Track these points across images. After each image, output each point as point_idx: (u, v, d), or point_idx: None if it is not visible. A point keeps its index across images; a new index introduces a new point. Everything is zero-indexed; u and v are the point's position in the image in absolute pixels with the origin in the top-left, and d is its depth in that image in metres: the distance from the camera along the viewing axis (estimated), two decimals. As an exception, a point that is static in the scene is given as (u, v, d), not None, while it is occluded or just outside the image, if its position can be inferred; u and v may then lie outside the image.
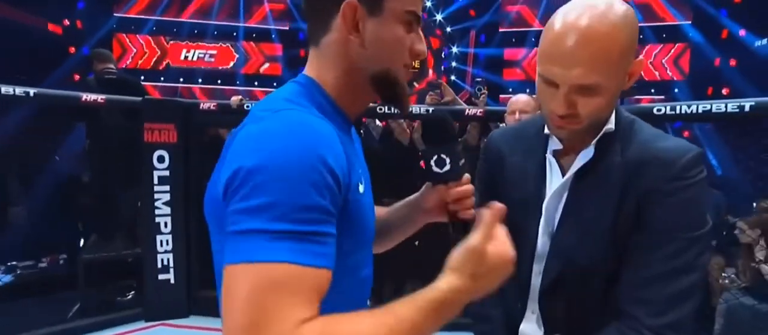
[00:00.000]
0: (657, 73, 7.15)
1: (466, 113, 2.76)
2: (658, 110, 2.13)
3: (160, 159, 2.81)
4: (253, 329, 0.41)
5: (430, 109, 2.80)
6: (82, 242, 3.39)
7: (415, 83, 1.40)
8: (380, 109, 2.80)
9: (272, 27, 7.90)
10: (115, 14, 7.31)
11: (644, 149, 0.72)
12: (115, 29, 7.35)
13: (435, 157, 0.68)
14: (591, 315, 0.74)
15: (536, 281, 0.80)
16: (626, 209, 0.71)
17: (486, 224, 0.56)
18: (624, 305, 0.71)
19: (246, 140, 0.50)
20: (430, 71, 8.28)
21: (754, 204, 2.73)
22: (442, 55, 8.16)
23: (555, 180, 0.78)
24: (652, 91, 7.02)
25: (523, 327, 0.83)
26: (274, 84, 7.59)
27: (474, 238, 0.55)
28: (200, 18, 7.79)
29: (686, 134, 6.43)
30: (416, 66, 0.67)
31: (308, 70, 0.64)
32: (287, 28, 7.80)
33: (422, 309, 0.49)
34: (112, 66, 3.31)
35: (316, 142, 0.49)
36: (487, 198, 0.88)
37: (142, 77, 7.22)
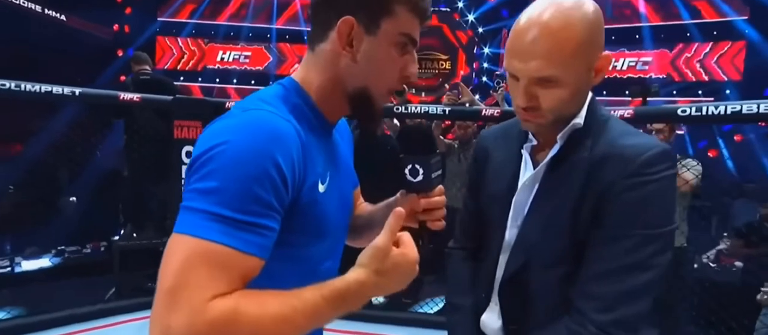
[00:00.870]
0: (706, 73, 6.71)
1: (483, 113, 2.73)
2: (683, 112, 2.02)
3: (189, 154, 2.98)
4: (172, 292, 0.46)
5: (448, 109, 2.80)
6: (122, 231, 3.65)
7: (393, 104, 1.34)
8: (397, 109, 2.83)
9: (304, 28, 8.11)
10: (158, 19, 7.77)
11: (609, 145, 0.72)
12: (158, 32, 7.81)
13: (410, 166, 0.69)
14: (549, 308, 0.74)
15: (500, 272, 0.82)
16: (587, 205, 0.71)
17: (389, 227, 0.60)
18: (574, 299, 0.71)
19: (211, 131, 0.56)
20: (461, 72, 8.20)
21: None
22: (474, 55, 8.06)
23: (527, 175, 0.80)
24: (700, 93, 6.61)
25: (485, 317, 0.85)
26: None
27: (379, 238, 0.59)
28: (236, 20, 8.13)
29: (738, 138, 6.00)
30: (403, 89, 0.70)
31: (297, 73, 0.68)
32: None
33: (326, 296, 0.54)
34: (147, 68, 3.55)
35: (269, 142, 0.54)
36: (473, 194, 0.93)
37: (182, 78, 7.65)
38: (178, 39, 7.95)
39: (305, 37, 8.02)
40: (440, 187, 0.72)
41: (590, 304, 0.68)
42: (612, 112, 2.28)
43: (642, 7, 7.25)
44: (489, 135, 0.94)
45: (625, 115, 2.21)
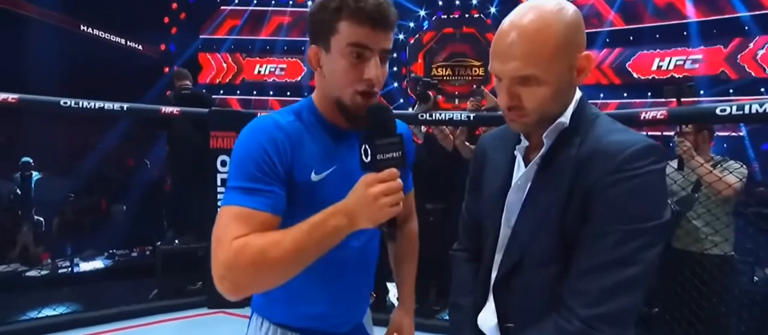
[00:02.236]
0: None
1: (508, 118, 2.69)
2: (722, 111, 1.90)
3: (223, 163, 3.15)
4: (215, 242, 0.73)
5: (472, 115, 2.78)
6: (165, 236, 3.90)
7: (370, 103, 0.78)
8: (422, 116, 2.85)
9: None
10: (200, 36, 8.27)
11: (596, 142, 0.72)
12: (200, 49, 8.31)
13: (364, 146, 0.72)
14: (542, 306, 0.74)
15: (495, 272, 0.83)
16: (574, 203, 0.71)
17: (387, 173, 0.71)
18: (563, 295, 0.71)
19: (241, 131, 0.82)
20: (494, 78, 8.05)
21: None
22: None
23: (519, 175, 0.81)
24: (762, 90, 6.12)
25: (481, 315, 0.85)
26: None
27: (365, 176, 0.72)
28: (272, 35, 8.48)
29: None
30: (371, 89, 0.78)
31: (314, 93, 0.88)
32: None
33: (309, 221, 0.72)
34: (188, 83, 3.79)
35: (256, 134, 0.79)
36: (473, 196, 0.95)
37: (221, 91, 8.08)
38: (219, 54, 8.42)
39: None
40: (392, 170, 0.71)
41: (576, 299, 0.68)
42: (644, 113, 2.17)
43: (689, 3, 6.83)
44: (488, 138, 0.96)
45: (658, 116, 2.11)
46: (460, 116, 2.79)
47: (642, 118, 2.17)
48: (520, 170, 0.81)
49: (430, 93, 2.93)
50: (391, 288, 3.29)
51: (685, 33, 6.91)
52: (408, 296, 1.11)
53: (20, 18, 6.04)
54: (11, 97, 2.48)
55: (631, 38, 7.23)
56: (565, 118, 0.75)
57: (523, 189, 0.79)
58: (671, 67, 7.04)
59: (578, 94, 0.78)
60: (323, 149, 0.83)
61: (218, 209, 0.76)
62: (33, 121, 5.62)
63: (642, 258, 0.66)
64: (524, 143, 0.81)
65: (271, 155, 0.77)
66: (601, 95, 7.36)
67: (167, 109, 3.08)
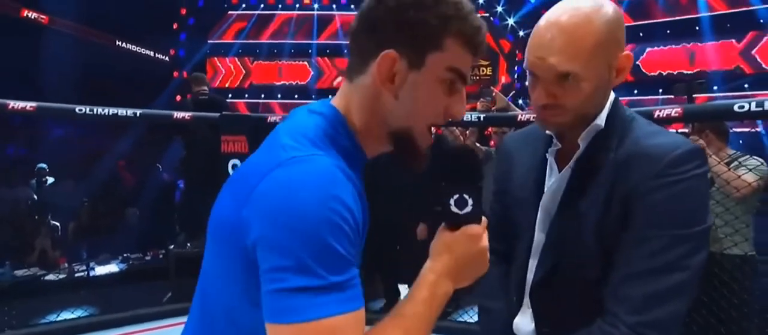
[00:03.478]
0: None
1: (519, 118, 2.67)
2: (740, 108, 1.86)
3: (235, 167, 3.17)
4: None
5: (482, 115, 2.77)
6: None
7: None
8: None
9: (343, 42, 8.36)
10: (208, 41, 8.36)
11: (635, 145, 0.71)
12: (209, 54, 8.40)
13: (457, 196, 0.59)
14: (581, 311, 0.73)
15: (531, 276, 0.82)
16: (614, 206, 0.70)
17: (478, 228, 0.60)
18: (606, 302, 0.70)
19: (275, 191, 0.49)
20: (503, 78, 8.03)
21: None
22: (515, 59, 7.87)
23: (553, 179, 0.80)
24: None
25: (517, 320, 0.84)
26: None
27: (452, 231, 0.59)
28: (279, 38, 8.54)
29: None
30: (440, 124, 0.62)
31: (337, 101, 0.61)
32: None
33: (423, 299, 0.55)
34: (206, 88, 3.83)
35: (340, 193, 0.49)
36: (499, 198, 0.93)
37: (230, 95, 8.14)
38: (227, 59, 8.49)
39: (344, 51, 8.35)
40: (486, 220, 0.62)
41: (622, 306, 0.67)
42: (658, 111, 2.14)
43: (700, -1, 6.72)
44: (512, 139, 0.95)
45: (673, 114, 2.07)
46: (471, 116, 2.78)
47: (656, 116, 2.14)
48: (553, 173, 0.80)
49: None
50: (403, 289, 3.28)
51: (697, 28, 6.80)
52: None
53: (35, 27, 6.18)
54: (29, 105, 2.53)
55: (641, 34, 7.14)
56: (601, 120, 0.74)
57: (557, 193, 0.78)
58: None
59: (612, 95, 0.77)
60: (363, 194, 0.61)
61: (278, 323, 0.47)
62: (48, 127, 5.73)
63: (688, 264, 0.65)
64: (557, 145, 0.79)
65: (358, 222, 0.52)
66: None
67: (179, 114, 3.12)
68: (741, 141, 5.98)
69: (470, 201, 0.59)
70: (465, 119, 2.81)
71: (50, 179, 4.96)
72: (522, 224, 0.84)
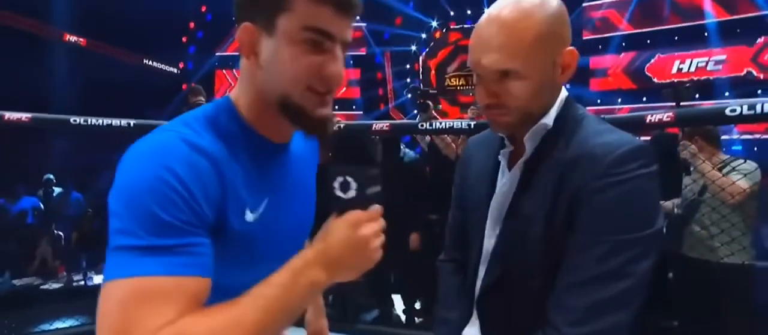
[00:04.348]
0: None
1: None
2: (733, 111, 1.79)
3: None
4: None
5: (473, 123, 2.74)
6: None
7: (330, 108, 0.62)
8: (422, 125, 2.82)
9: (349, 53, 8.43)
10: (216, 54, 8.54)
11: (581, 145, 0.68)
12: (217, 67, 8.56)
13: (340, 179, 0.56)
14: (529, 321, 0.69)
15: (480, 284, 0.78)
16: (560, 210, 0.67)
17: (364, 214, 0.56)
18: (548, 311, 0.66)
19: (123, 161, 0.53)
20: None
21: None
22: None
23: (502, 182, 0.77)
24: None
25: (467, 331, 0.81)
26: (353, 106, 8.06)
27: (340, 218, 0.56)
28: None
29: None
30: (329, 89, 0.58)
31: (232, 91, 0.63)
32: (364, 53, 8.23)
33: (273, 283, 0.52)
34: (202, 99, 3.89)
35: (174, 162, 0.51)
36: (458, 204, 0.91)
37: (237, 107, 8.25)
38: (234, 71, 8.64)
39: (350, 61, 8.45)
40: (378, 208, 0.57)
41: (562, 317, 0.64)
42: (650, 116, 2.08)
43: (708, 3, 6.61)
44: (473, 142, 0.92)
45: (665, 118, 2.01)
46: (461, 124, 2.75)
47: (648, 121, 2.08)
48: (504, 176, 0.78)
49: (429, 102, 2.91)
50: (396, 299, 3.23)
51: (706, 34, 6.67)
52: (318, 302, 0.97)
53: (45, 41, 6.43)
54: (24, 116, 2.59)
55: (649, 41, 7.03)
56: (548, 119, 0.71)
57: (507, 196, 0.75)
58: (693, 69, 6.79)
59: (564, 94, 0.75)
60: (254, 175, 0.59)
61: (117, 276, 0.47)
62: (57, 140, 5.89)
63: (632, 271, 0.61)
64: (508, 147, 0.77)
65: (194, 194, 0.51)
66: (619, 100, 7.16)
67: (173, 124, 3.16)
68: (756, 148, 5.79)
69: (354, 185, 0.55)
70: (455, 126, 2.78)
71: (57, 189, 5.08)
72: (474, 230, 0.81)
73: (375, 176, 0.58)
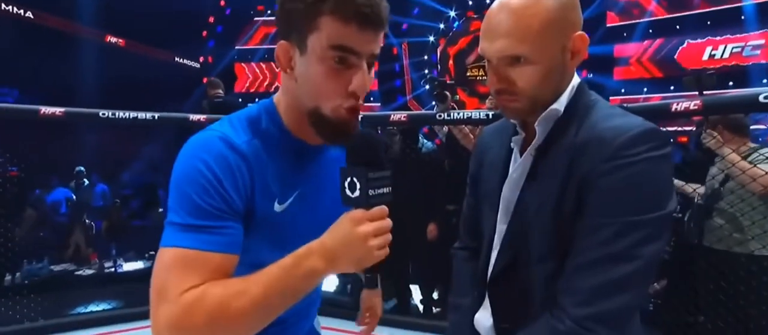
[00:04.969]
0: None
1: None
2: (766, 98, 1.71)
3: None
4: (155, 294, 0.58)
5: (491, 113, 2.70)
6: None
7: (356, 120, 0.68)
8: (439, 115, 2.80)
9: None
10: (236, 47, 8.67)
11: (591, 129, 0.68)
12: (236, 59, 8.70)
13: (349, 178, 0.60)
14: (538, 306, 0.70)
15: (491, 270, 0.79)
16: (568, 195, 0.67)
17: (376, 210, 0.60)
18: (557, 294, 0.67)
19: (179, 154, 0.64)
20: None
21: None
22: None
23: (514, 168, 0.77)
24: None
25: (478, 315, 0.82)
26: (370, 98, 8.07)
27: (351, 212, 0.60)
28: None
29: None
30: (356, 101, 0.63)
31: (277, 93, 0.71)
32: (381, 44, 8.16)
33: (280, 265, 0.59)
34: (220, 92, 3.98)
35: (210, 158, 0.61)
36: (473, 192, 0.92)
37: (256, 99, 8.39)
38: (253, 64, 8.76)
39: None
40: (382, 208, 0.60)
41: (569, 298, 0.64)
42: (675, 104, 2.01)
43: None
44: (488, 131, 0.93)
45: (692, 107, 1.94)
46: (479, 114, 2.72)
47: (673, 109, 2.01)
48: (516, 163, 0.78)
49: (447, 93, 2.89)
50: (415, 290, 3.25)
51: (742, 17, 6.34)
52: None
53: (76, 39, 6.67)
54: (58, 110, 2.71)
55: (678, 27, 6.74)
56: (560, 105, 0.71)
57: (518, 183, 0.76)
58: (726, 55, 6.48)
59: (576, 80, 0.74)
60: (286, 172, 0.68)
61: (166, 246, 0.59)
62: (88, 133, 6.14)
63: (639, 254, 0.61)
64: (520, 134, 0.77)
65: (224, 185, 0.61)
66: (645, 90, 6.92)
67: (195, 116, 3.25)
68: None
69: (358, 185, 0.59)
70: (473, 116, 2.76)
71: (87, 181, 5.31)
72: (487, 217, 0.82)
73: (379, 179, 0.60)
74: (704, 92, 1.87)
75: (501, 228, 0.78)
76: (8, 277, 3.41)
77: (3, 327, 2.69)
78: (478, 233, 0.87)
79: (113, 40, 7.17)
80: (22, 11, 6.09)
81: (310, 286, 0.60)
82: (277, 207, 0.67)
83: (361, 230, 0.58)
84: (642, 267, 0.61)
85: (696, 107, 1.94)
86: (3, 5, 5.85)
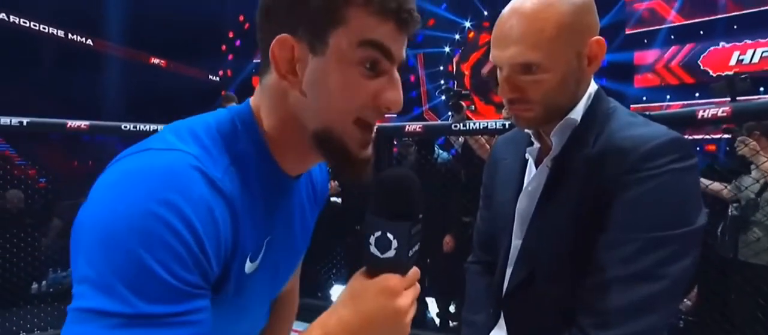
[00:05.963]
0: None
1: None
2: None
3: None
4: None
5: (507, 123, 2.66)
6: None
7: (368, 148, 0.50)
8: (455, 126, 2.78)
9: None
10: (254, 61, 8.88)
11: (609, 139, 0.65)
12: (254, 73, 8.90)
13: (378, 233, 0.45)
14: (554, 322, 0.67)
15: (506, 286, 0.76)
16: (587, 208, 0.63)
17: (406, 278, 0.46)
18: (576, 313, 0.63)
19: (100, 185, 0.40)
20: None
21: None
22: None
23: (529, 180, 0.75)
24: None
25: (495, 332, 0.79)
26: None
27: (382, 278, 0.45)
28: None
29: None
30: (382, 116, 0.49)
31: (254, 97, 0.51)
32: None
33: None
34: (234, 105, 4.08)
35: (177, 200, 0.38)
36: (486, 204, 0.89)
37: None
38: (270, 77, 8.98)
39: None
40: (416, 271, 0.47)
41: (589, 319, 0.60)
42: (702, 111, 1.94)
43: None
44: (501, 141, 0.90)
45: (720, 113, 1.86)
46: (495, 124, 2.69)
47: (700, 116, 1.93)
48: (531, 175, 0.75)
49: (462, 103, 2.88)
50: (431, 303, 3.19)
51: (772, 20, 6.11)
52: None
53: (99, 55, 6.98)
54: (83, 124, 2.81)
55: (702, 32, 6.56)
56: (576, 114, 0.68)
57: (534, 195, 0.73)
58: (755, 60, 6.24)
59: (593, 87, 0.71)
60: (262, 214, 0.49)
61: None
62: (108, 145, 6.35)
63: (665, 273, 0.57)
64: (535, 144, 0.75)
65: (206, 248, 0.39)
66: (668, 97, 6.72)
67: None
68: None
69: (394, 243, 0.44)
70: (490, 126, 2.72)
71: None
72: (502, 230, 0.79)
73: (418, 233, 0.47)
74: (736, 98, 1.79)
75: (516, 243, 0.75)
76: (34, 285, 3.51)
77: (28, 334, 2.75)
78: (493, 247, 0.85)
79: (137, 55, 7.47)
80: (53, 30, 6.41)
81: None
82: (248, 267, 0.48)
83: (401, 304, 0.44)
84: (669, 287, 0.57)
85: (724, 114, 1.86)
86: (30, 23, 6.16)
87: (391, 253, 0.45)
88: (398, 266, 0.45)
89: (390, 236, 0.45)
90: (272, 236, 0.51)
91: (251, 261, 0.48)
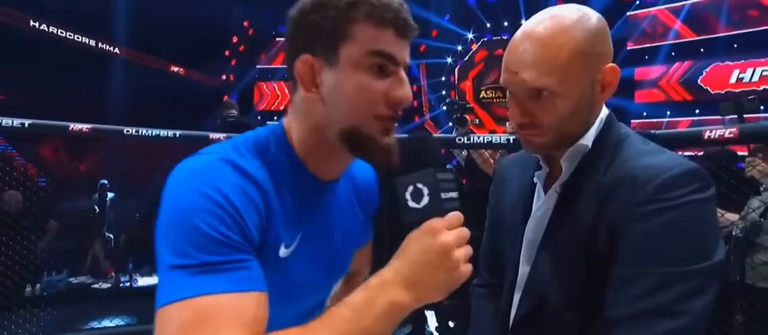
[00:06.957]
0: None
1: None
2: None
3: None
4: None
5: (511, 138, 2.65)
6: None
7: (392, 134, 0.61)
8: (459, 139, 2.77)
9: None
10: (257, 66, 8.90)
11: (622, 167, 0.63)
12: (257, 79, 8.91)
13: (411, 187, 0.49)
14: None
15: (514, 314, 0.74)
16: (599, 239, 0.61)
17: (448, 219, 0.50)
18: None
19: (168, 184, 0.52)
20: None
21: None
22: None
23: (538, 206, 0.73)
24: None
25: None
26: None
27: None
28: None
29: None
30: (396, 113, 0.57)
31: (286, 118, 0.62)
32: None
33: (350, 306, 0.48)
34: (234, 112, 4.12)
35: (222, 183, 0.50)
36: (492, 226, 0.87)
37: (275, 118, 8.54)
38: (273, 83, 8.96)
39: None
40: (458, 214, 0.51)
41: None
42: (708, 132, 1.93)
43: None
44: (507, 163, 0.89)
45: (727, 135, 1.85)
46: (500, 138, 2.67)
47: (706, 137, 1.92)
48: (539, 199, 0.73)
49: (468, 117, 2.87)
50: (430, 316, 3.15)
51: (770, 41, 6.16)
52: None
53: (104, 57, 6.99)
54: (85, 127, 2.78)
55: (702, 50, 6.60)
56: (587, 140, 0.67)
57: (542, 222, 0.71)
58: (755, 78, 6.28)
59: (604, 112, 0.70)
60: (293, 210, 0.58)
61: (168, 300, 0.45)
62: (112, 148, 6.33)
63: (683, 310, 0.55)
64: (544, 169, 0.73)
65: (241, 212, 0.49)
66: (668, 113, 6.74)
67: (214, 135, 3.30)
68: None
69: (425, 190, 0.49)
70: (494, 141, 2.71)
71: (111, 195, 5.42)
72: (509, 255, 0.77)
73: (448, 180, 0.51)
74: (743, 117, 1.78)
75: (524, 269, 0.73)
76: (28, 288, 3.46)
77: (20, 339, 2.71)
78: (499, 270, 0.82)
79: (139, 58, 7.47)
80: (56, 30, 6.42)
81: (389, 328, 0.48)
82: (282, 251, 0.56)
83: (444, 240, 0.48)
84: (689, 324, 0.54)
85: (731, 135, 1.85)
86: (37, 24, 6.18)
87: (425, 200, 0.50)
88: (435, 211, 0.50)
89: (420, 185, 0.50)
90: (306, 232, 0.60)
91: (285, 246, 0.57)
